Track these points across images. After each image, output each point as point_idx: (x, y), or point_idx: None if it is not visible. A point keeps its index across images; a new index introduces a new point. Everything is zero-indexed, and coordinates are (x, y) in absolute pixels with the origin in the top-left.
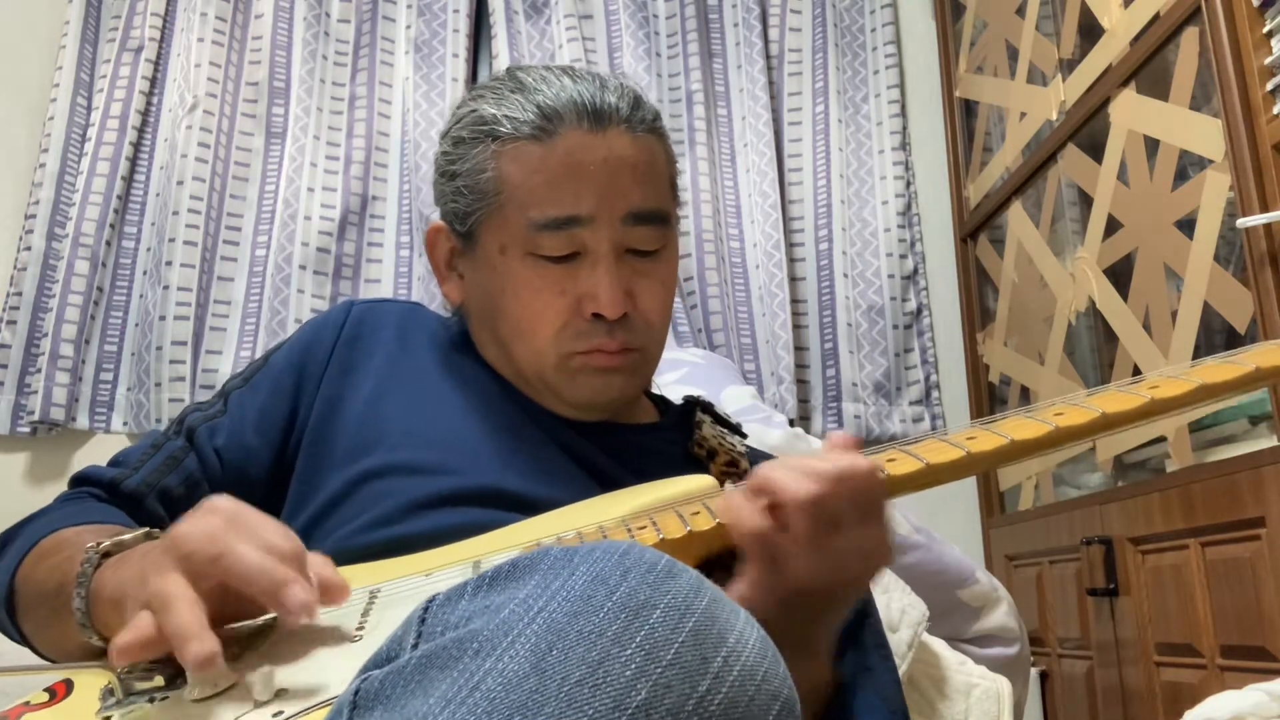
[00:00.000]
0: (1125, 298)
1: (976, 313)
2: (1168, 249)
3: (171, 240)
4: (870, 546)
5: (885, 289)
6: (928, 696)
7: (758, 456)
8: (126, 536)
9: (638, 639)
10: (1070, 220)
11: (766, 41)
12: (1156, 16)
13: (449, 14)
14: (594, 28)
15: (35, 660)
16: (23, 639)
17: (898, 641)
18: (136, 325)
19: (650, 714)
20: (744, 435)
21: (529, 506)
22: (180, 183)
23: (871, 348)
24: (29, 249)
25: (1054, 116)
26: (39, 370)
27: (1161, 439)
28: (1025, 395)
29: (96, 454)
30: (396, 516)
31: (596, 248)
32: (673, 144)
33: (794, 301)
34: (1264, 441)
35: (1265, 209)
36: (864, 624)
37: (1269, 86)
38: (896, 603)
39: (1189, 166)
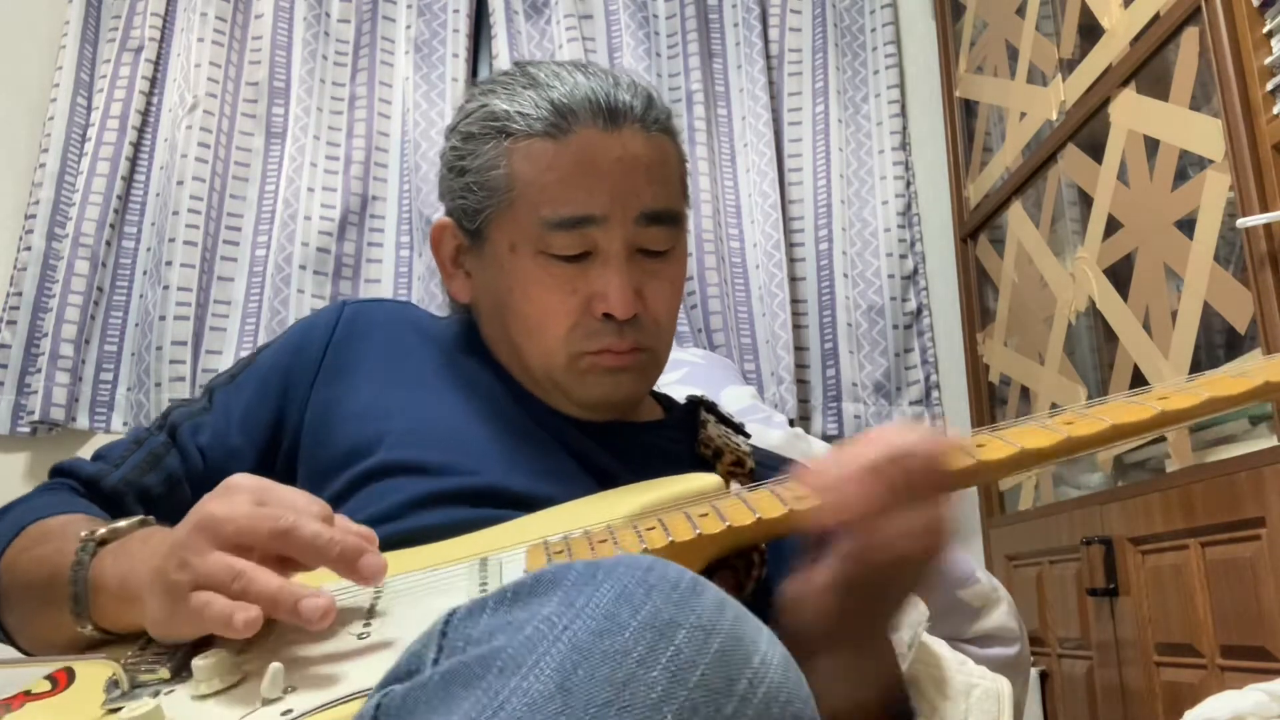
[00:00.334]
0: (1125, 298)
1: (976, 313)
2: (1168, 249)
3: (171, 240)
4: (923, 526)
5: (885, 289)
6: (928, 697)
7: (763, 455)
8: (122, 524)
9: (663, 660)
10: (1070, 220)
11: (766, 41)
12: (1156, 16)
13: (449, 14)
14: (594, 28)
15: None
16: (4, 633)
17: (898, 641)
18: (136, 325)
19: None
20: (747, 435)
21: (532, 505)
22: (180, 183)
23: (871, 348)
24: (29, 249)
25: (1054, 116)
26: (39, 370)
27: (1162, 439)
28: (1025, 395)
29: None
30: (400, 514)
31: (608, 247)
32: None
33: (794, 301)
34: (1264, 441)
35: (1265, 209)
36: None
37: (1269, 86)
38: None
39: (1189, 166)
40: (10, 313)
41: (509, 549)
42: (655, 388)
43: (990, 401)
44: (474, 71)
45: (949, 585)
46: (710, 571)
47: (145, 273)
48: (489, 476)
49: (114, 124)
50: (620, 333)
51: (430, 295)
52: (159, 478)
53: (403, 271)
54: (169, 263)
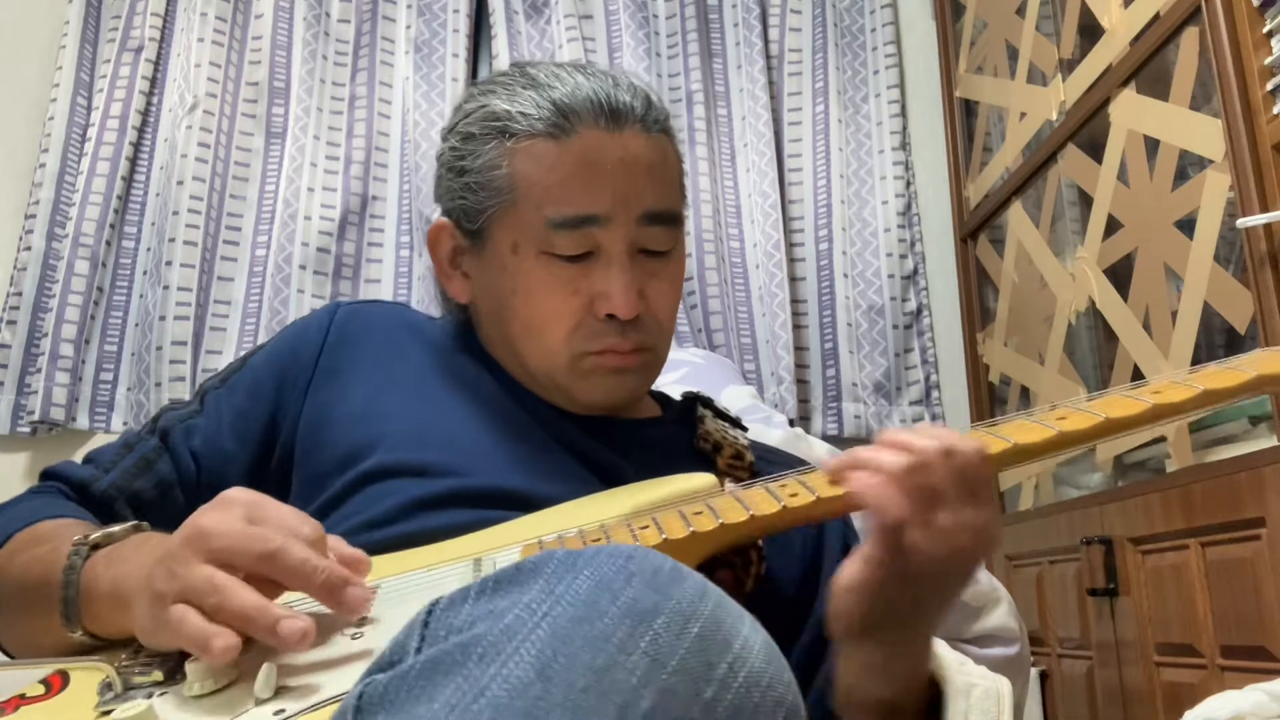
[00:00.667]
0: (1125, 298)
1: (976, 313)
2: (1168, 249)
3: (171, 240)
4: (978, 524)
5: (885, 289)
6: None
7: (761, 450)
8: (116, 529)
9: (643, 645)
10: (1070, 220)
11: (766, 41)
12: (1156, 16)
13: (449, 14)
14: (594, 28)
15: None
16: None
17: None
18: (136, 325)
19: None
20: (745, 429)
21: (532, 505)
22: (180, 183)
23: (871, 348)
24: (29, 249)
25: (1054, 116)
26: (39, 370)
27: (1161, 439)
28: (1025, 395)
29: None
30: (397, 517)
31: (611, 247)
32: None
33: (794, 301)
34: (1264, 441)
35: (1265, 209)
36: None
37: (1269, 86)
38: None
39: (1189, 166)
40: (10, 313)
41: (503, 548)
42: (655, 387)
43: (990, 401)
44: (474, 71)
45: None
46: (708, 571)
47: (145, 273)
48: (487, 477)
49: (114, 124)
50: (623, 333)
51: (431, 295)
52: (150, 482)
53: (403, 271)
54: (169, 263)
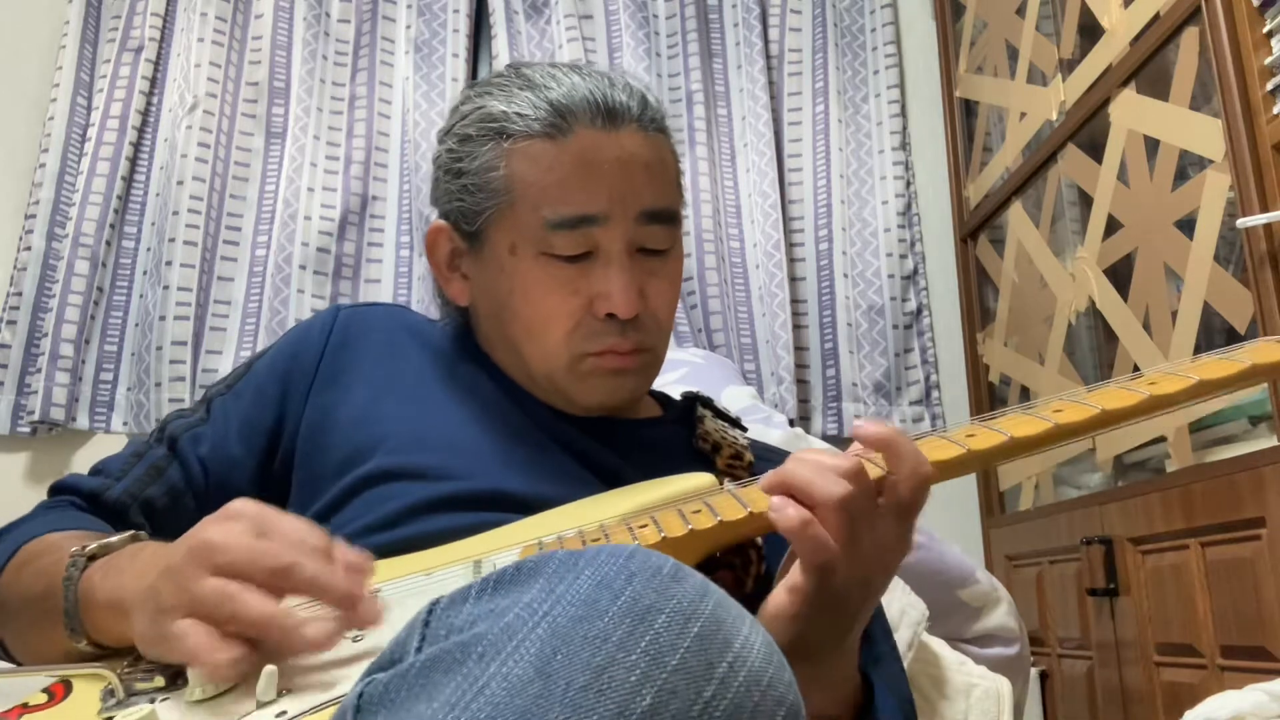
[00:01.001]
0: (1125, 298)
1: (976, 313)
2: (1168, 249)
3: (171, 240)
4: (894, 540)
5: (885, 289)
6: (928, 696)
7: (760, 449)
8: (113, 539)
9: (642, 644)
10: (1070, 220)
11: (766, 41)
12: (1156, 16)
13: (449, 14)
14: (594, 28)
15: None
16: (2, 648)
17: (898, 641)
18: (136, 325)
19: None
20: (744, 429)
21: (531, 508)
22: (180, 183)
23: (871, 348)
24: (29, 249)
25: (1054, 116)
26: (39, 370)
27: (1161, 439)
28: (1025, 395)
29: (96, 454)
30: (397, 521)
31: (610, 247)
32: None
33: (794, 301)
34: (1264, 441)
35: (1265, 209)
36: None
37: (1269, 86)
38: (896, 603)
39: (1189, 166)
40: (10, 313)
41: (503, 550)
42: (655, 386)
43: (990, 401)
44: (474, 71)
45: (949, 585)
46: (708, 572)
47: (145, 273)
48: (487, 480)
49: (114, 124)
50: (623, 332)
51: (431, 296)
52: (161, 489)
53: (403, 271)
54: (169, 263)
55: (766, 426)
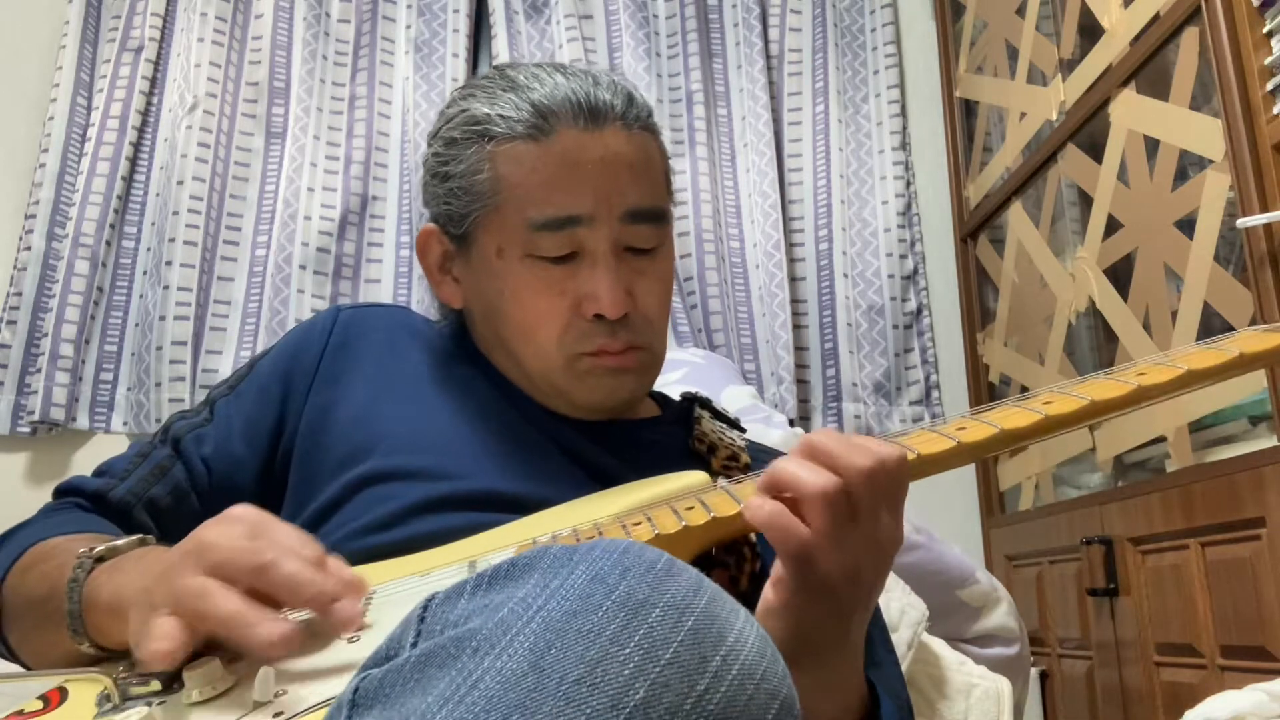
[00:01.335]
0: (1125, 298)
1: (976, 313)
2: (1168, 249)
3: (171, 240)
4: (886, 535)
5: (885, 289)
6: (927, 696)
7: (757, 450)
8: (120, 542)
9: (636, 638)
10: (1070, 220)
11: (766, 41)
12: (1156, 16)
13: (449, 14)
14: (594, 28)
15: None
16: (8, 651)
17: (898, 641)
18: (136, 325)
19: (648, 713)
20: (743, 430)
21: (527, 508)
22: (180, 183)
23: (871, 348)
24: (29, 249)
25: (1054, 116)
26: (39, 370)
27: (1162, 439)
28: (1025, 395)
29: (96, 454)
30: (394, 521)
31: (595, 247)
32: (672, 144)
33: (794, 301)
34: (1264, 441)
35: (1265, 209)
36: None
37: (1269, 86)
38: (896, 603)
39: (1189, 166)
40: (10, 313)
41: (498, 551)
42: (655, 386)
43: (990, 401)
44: (474, 71)
45: (949, 585)
46: (703, 570)
47: (145, 273)
48: (483, 481)
49: (114, 124)
50: (613, 332)
51: (431, 296)
52: (166, 489)
53: (403, 271)
54: (169, 263)
55: (766, 426)
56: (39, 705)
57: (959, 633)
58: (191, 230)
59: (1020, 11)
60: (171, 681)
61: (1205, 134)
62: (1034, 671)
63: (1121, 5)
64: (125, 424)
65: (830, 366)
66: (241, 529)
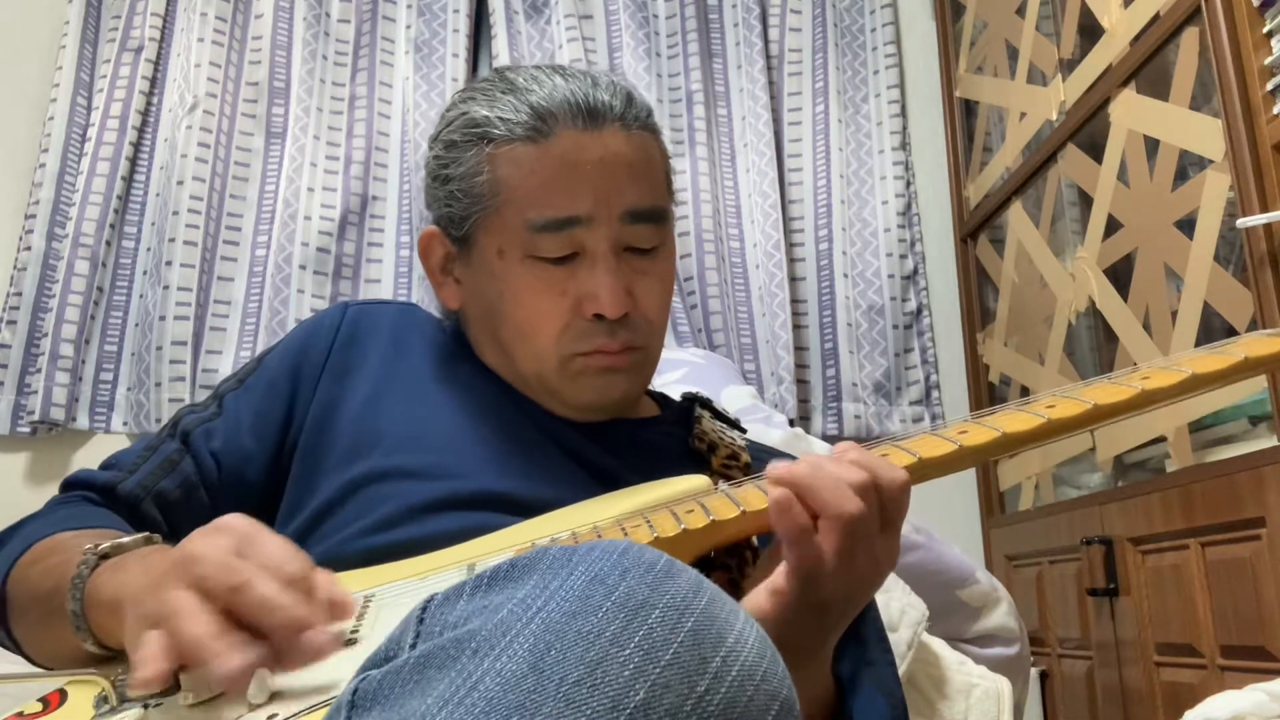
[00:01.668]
0: (1125, 298)
1: (976, 313)
2: (1168, 249)
3: (171, 240)
4: (885, 555)
5: (885, 289)
6: (927, 696)
7: (757, 450)
8: (126, 540)
9: (636, 639)
10: (1070, 220)
11: (766, 41)
12: (1156, 16)
13: (449, 14)
14: (594, 28)
15: (27, 667)
16: (14, 645)
17: (897, 641)
18: (136, 325)
19: (649, 714)
20: (743, 430)
21: (527, 509)
22: (180, 183)
23: (871, 348)
24: (29, 249)
25: (1054, 116)
26: (39, 370)
27: (1161, 439)
28: (1025, 396)
29: (96, 454)
30: (394, 521)
31: (595, 248)
32: (672, 144)
33: (794, 301)
34: (1264, 441)
35: (1265, 209)
36: (865, 618)
37: (1269, 86)
38: (896, 603)
39: (1189, 166)
40: (10, 313)
41: (497, 554)
42: (653, 387)
43: (990, 401)
44: (474, 71)
45: (949, 585)
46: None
47: (145, 273)
48: (483, 480)
49: (114, 124)
50: (612, 332)
51: (431, 296)
52: (175, 482)
53: (403, 271)
54: (169, 263)
55: (766, 426)
56: (39, 707)
57: (959, 633)
58: (191, 230)
59: (1020, 11)
60: (169, 683)
61: (1205, 134)
62: (1034, 671)
63: (1121, 5)
64: (125, 424)
65: (830, 366)
66: (228, 541)
